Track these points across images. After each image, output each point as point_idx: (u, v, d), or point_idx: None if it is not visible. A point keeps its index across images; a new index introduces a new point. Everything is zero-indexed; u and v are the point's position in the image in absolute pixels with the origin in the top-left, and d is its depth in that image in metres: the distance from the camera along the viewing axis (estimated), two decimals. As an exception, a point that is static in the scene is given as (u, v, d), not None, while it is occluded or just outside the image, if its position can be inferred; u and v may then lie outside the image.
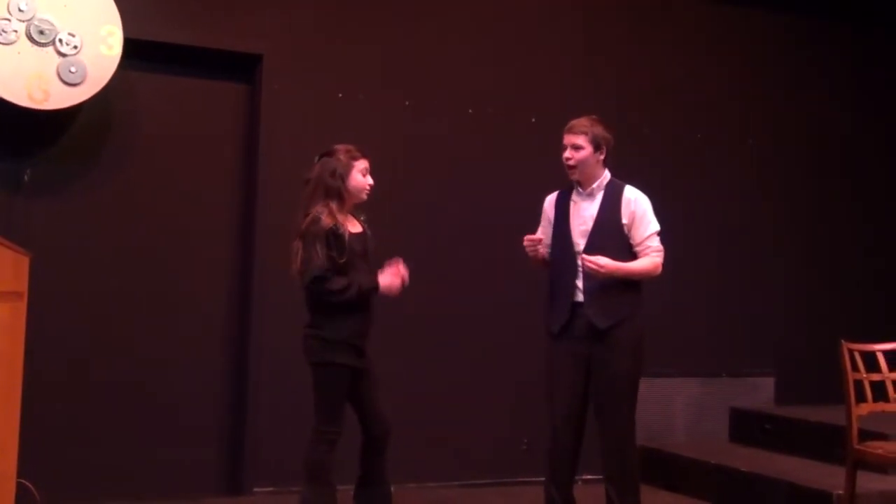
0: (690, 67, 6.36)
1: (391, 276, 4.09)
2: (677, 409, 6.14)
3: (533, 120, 5.80)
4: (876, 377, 4.26)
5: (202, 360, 5.30)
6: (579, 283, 4.12)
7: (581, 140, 4.14)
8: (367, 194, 4.16)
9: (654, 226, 4.17)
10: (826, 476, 4.85)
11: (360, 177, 4.10)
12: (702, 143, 6.35)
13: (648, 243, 4.16)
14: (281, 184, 5.13)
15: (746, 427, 5.98)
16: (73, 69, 4.78)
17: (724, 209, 6.38)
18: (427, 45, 5.76)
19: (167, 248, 5.27)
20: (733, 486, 5.16)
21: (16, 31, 4.71)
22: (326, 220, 3.96)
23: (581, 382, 4.14)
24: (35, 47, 4.74)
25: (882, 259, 6.75)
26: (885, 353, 4.36)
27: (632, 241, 4.15)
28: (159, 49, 5.18)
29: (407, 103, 5.67)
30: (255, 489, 5.20)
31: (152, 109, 5.28)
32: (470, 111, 5.78)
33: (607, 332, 4.08)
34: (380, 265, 5.06)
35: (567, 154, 4.16)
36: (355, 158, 4.09)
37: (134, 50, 4.95)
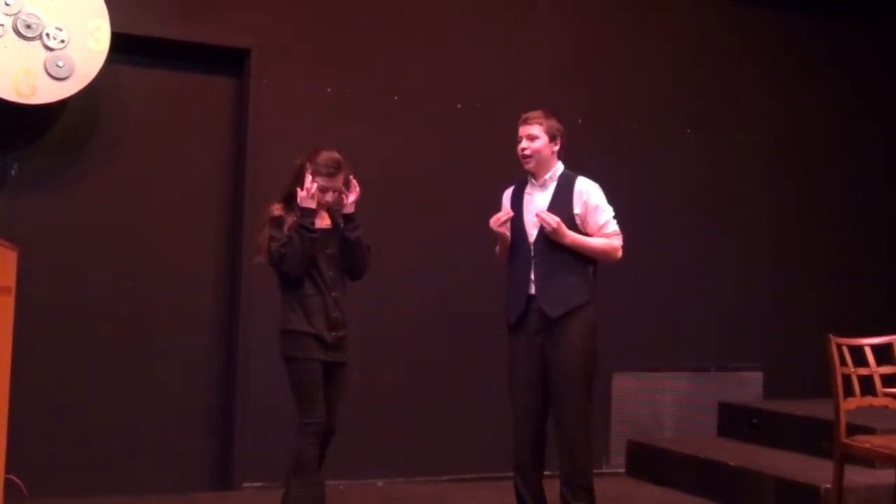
0: (679, 63, 6.38)
1: (309, 188, 4.03)
2: (666, 404, 6.16)
3: (522, 115, 5.79)
4: (864, 371, 4.27)
5: (191, 355, 5.30)
6: (532, 275, 4.14)
7: (537, 130, 4.18)
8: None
9: (609, 212, 4.18)
10: (814, 470, 4.87)
11: (317, 192, 4.06)
12: (691, 139, 6.37)
13: (605, 230, 4.16)
14: (269, 178, 5.11)
15: (734, 421, 5.99)
16: (60, 63, 4.77)
17: (713, 203, 6.41)
18: (416, 39, 5.76)
19: (155, 242, 5.27)
20: (721, 480, 5.18)
21: (2, 26, 4.70)
22: (274, 210, 4.07)
23: (538, 375, 4.15)
24: (22, 41, 4.73)
25: (870, 254, 6.79)
26: (873, 347, 4.37)
27: (589, 231, 4.15)
28: (147, 43, 5.18)
29: (395, 98, 5.67)
30: (245, 484, 5.20)
31: (140, 104, 5.28)
32: (458, 106, 5.78)
33: (559, 323, 4.08)
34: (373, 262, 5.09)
35: (523, 145, 4.20)
36: (319, 174, 4.04)
37: (121, 44, 4.95)
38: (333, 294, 4.10)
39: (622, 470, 5.92)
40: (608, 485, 5.25)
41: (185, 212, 5.35)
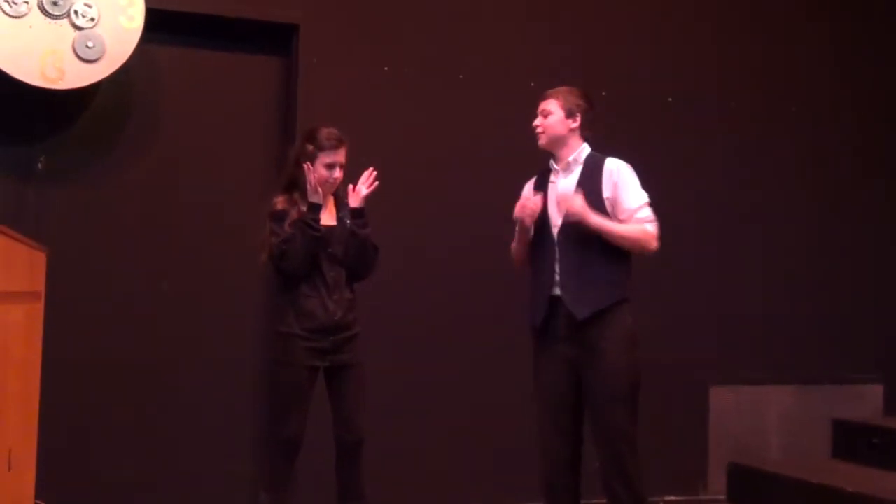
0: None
1: (314, 180, 4.13)
2: (770, 422, 6.15)
3: (603, 94, 5.71)
4: None
5: (233, 364, 5.34)
6: (556, 272, 4.09)
7: (551, 105, 4.23)
8: (338, 189, 4.28)
9: (642, 197, 4.12)
10: (945, 497, 4.76)
11: (324, 171, 4.17)
12: (795, 119, 6.31)
13: (638, 215, 4.09)
14: (320, 168, 5.13)
15: (851, 441, 5.91)
16: (90, 44, 4.83)
17: (828, 195, 6.37)
18: (483, 11, 5.76)
19: (194, 240, 5.33)
20: (837, 508, 5.08)
21: (27, 3, 4.78)
22: (277, 203, 4.22)
23: (569, 389, 4.10)
24: (48, 20, 4.80)
25: None
26: None
27: (619, 216, 4.09)
28: (185, 20, 5.23)
29: (460, 76, 5.67)
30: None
31: (178, 87, 5.35)
32: (532, 85, 5.70)
33: (590, 328, 4.01)
34: (411, 260, 5.06)
35: (536, 121, 4.26)
36: (322, 149, 4.18)
37: (157, 21, 4.99)
38: (335, 296, 4.20)
39: (722, 496, 5.86)
40: (706, 513, 5.20)
41: (226, 204, 5.36)
